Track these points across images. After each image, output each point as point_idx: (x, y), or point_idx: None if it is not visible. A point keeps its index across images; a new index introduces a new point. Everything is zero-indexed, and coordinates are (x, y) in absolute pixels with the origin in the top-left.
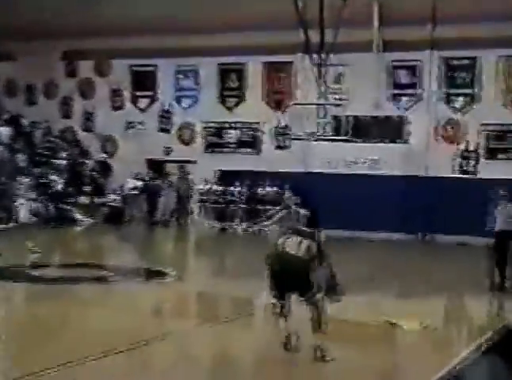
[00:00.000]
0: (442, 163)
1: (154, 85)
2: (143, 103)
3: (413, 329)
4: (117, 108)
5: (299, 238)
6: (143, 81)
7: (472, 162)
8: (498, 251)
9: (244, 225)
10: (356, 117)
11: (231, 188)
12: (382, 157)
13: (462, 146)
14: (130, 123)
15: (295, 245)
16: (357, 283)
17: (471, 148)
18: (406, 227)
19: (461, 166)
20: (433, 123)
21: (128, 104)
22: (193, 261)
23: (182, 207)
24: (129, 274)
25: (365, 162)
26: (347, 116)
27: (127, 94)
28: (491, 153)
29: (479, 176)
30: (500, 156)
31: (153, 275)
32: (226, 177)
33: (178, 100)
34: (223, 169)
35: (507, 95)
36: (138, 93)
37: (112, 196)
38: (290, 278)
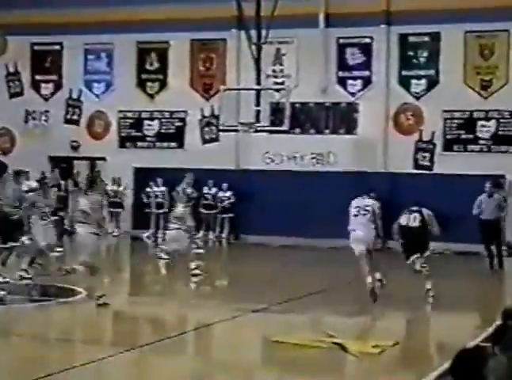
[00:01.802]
0: (401, 157)
1: (60, 68)
2: (46, 89)
3: (364, 352)
4: (14, 94)
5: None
6: (46, 63)
7: (428, 155)
8: (484, 237)
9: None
10: (300, 104)
11: (147, 189)
12: (331, 151)
13: (423, 137)
14: (30, 113)
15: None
16: (307, 298)
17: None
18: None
19: (416, 160)
20: (389, 111)
21: (28, 91)
22: (106, 275)
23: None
24: (31, 292)
25: (313, 157)
26: (290, 103)
27: (26, 78)
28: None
29: (440, 171)
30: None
31: (60, 293)
32: (143, 176)
33: (89, 85)
34: (138, 166)
35: (475, 77)
36: (40, 77)
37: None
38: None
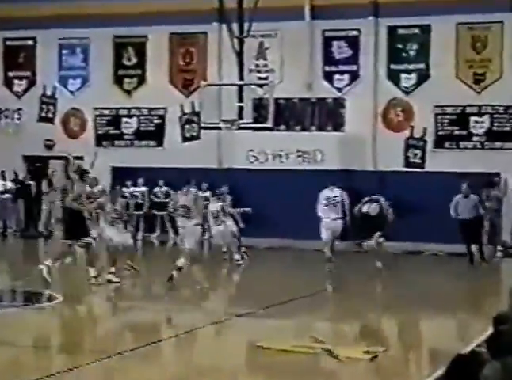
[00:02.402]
0: (391, 154)
1: (33, 64)
2: (18, 86)
3: (354, 358)
4: None
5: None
6: (19, 59)
7: (419, 153)
8: (464, 236)
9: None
10: (285, 100)
11: (123, 189)
12: (318, 149)
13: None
14: (2, 111)
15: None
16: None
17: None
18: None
19: (407, 158)
20: (377, 107)
21: (0, 88)
22: (84, 282)
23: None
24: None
25: (299, 155)
26: (274, 99)
27: None
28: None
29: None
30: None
31: (33, 298)
32: (121, 176)
33: (63, 81)
34: (116, 165)
35: (468, 71)
36: (12, 74)
37: None
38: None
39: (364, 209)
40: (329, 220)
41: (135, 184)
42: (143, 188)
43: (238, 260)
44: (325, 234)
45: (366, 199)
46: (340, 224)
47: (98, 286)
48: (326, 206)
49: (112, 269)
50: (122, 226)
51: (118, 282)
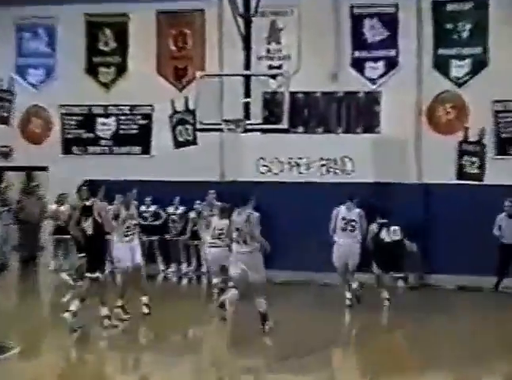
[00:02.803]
0: (439, 163)
1: None
2: None
3: None
4: None
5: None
6: None
7: (476, 161)
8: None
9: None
10: (303, 94)
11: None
12: (346, 156)
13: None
14: None
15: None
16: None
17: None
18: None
19: (461, 167)
20: (421, 102)
21: None
22: (47, 328)
23: (31, 240)
24: None
25: (322, 164)
26: (290, 94)
27: None
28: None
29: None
30: None
31: None
32: (95, 192)
33: (22, 72)
34: (89, 178)
35: None
36: None
37: None
38: None
39: (384, 236)
40: (343, 248)
41: (112, 202)
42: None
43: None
44: (338, 263)
45: (379, 221)
46: (356, 252)
47: (112, 328)
48: (344, 230)
49: (120, 302)
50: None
51: (125, 320)
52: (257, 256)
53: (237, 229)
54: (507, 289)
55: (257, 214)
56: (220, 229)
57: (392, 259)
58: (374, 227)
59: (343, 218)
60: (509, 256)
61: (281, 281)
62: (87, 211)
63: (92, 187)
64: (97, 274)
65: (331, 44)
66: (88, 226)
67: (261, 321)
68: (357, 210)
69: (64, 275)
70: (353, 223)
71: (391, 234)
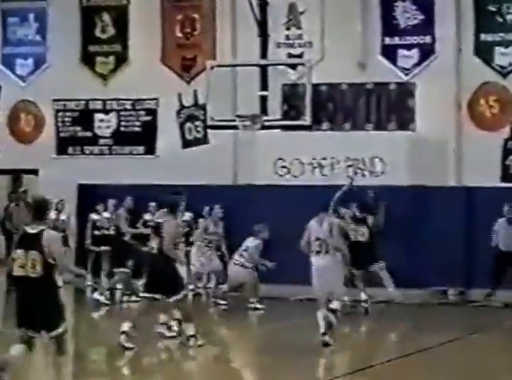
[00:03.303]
0: (482, 163)
1: None
2: None
3: None
4: None
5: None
6: None
7: None
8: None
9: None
10: (328, 86)
11: (93, 217)
12: (376, 156)
13: None
14: None
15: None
16: None
17: None
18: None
19: (506, 168)
20: (461, 95)
21: None
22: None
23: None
24: None
25: (349, 165)
26: (313, 86)
27: None
28: None
29: None
30: None
31: None
32: (92, 198)
33: (9, 62)
34: (85, 182)
35: None
36: None
37: None
38: None
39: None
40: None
41: (113, 209)
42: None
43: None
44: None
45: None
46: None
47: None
48: (318, 253)
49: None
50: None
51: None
52: (338, 266)
53: (317, 239)
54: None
55: (337, 221)
56: (245, 250)
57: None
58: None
59: (316, 239)
60: (506, 265)
61: (300, 298)
62: (156, 229)
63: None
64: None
65: (358, 30)
66: (155, 245)
67: (326, 329)
68: (328, 219)
69: (97, 295)
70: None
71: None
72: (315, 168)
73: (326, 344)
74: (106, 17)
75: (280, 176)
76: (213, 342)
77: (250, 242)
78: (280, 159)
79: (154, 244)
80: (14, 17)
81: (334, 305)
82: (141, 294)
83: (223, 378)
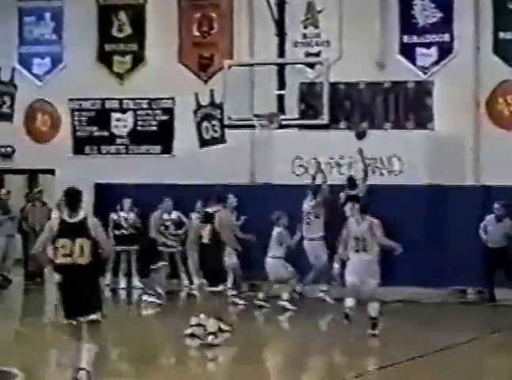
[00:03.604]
0: (501, 162)
1: None
2: None
3: None
4: None
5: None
6: None
7: None
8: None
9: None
10: (345, 85)
11: (113, 216)
12: (394, 155)
13: None
14: None
15: None
16: None
17: None
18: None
19: None
20: (480, 93)
21: None
22: (55, 350)
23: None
24: None
25: (366, 164)
26: (331, 84)
27: None
28: None
29: None
30: None
31: None
32: (109, 197)
33: (26, 62)
34: (101, 181)
35: None
36: None
37: None
38: None
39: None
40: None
41: (129, 208)
42: (124, 214)
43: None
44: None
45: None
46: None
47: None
48: (357, 252)
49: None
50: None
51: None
52: (375, 263)
53: (356, 239)
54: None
55: (376, 221)
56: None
57: None
58: None
59: (355, 238)
60: (495, 262)
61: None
62: (208, 219)
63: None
64: (221, 287)
65: (377, 28)
66: (206, 234)
67: (371, 325)
68: (369, 219)
69: (148, 297)
70: (366, 238)
71: None
72: (332, 167)
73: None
74: (123, 15)
75: (298, 175)
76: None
77: (274, 232)
78: (298, 158)
79: (205, 233)
80: (31, 16)
81: (373, 307)
82: (206, 288)
83: None
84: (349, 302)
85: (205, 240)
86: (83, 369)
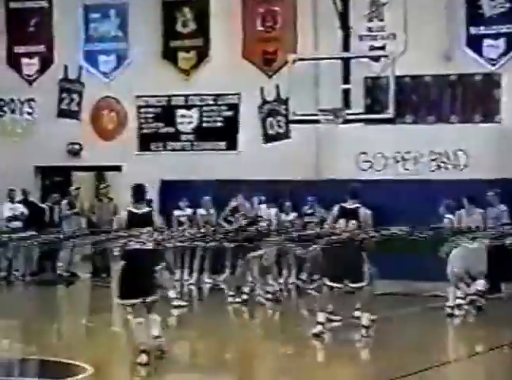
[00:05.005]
0: None
1: (49, 35)
2: (29, 67)
3: None
4: None
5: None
6: (29, 28)
7: None
8: None
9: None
10: (411, 78)
11: (176, 213)
12: (461, 149)
13: None
14: (7, 102)
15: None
16: None
17: None
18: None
19: None
20: None
21: (4, 70)
22: (123, 346)
23: (103, 249)
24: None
25: (433, 159)
26: (396, 78)
27: (1, 51)
28: None
29: None
30: None
31: (57, 371)
32: (175, 193)
33: (92, 59)
34: (167, 178)
35: None
36: (20, 50)
37: None
38: None
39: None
40: None
41: (195, 205)
42: (210, 211)
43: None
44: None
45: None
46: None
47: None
48: None
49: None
50: None
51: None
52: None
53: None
54: None
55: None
56: None
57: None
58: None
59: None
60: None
61: (382, 292)
62: (346, 214)
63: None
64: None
65: (443, 20)
66: (349, 228)
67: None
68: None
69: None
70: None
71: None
72: (397, 162)
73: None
74: (187, 11)
75: (363, 170)
76: None
77: None
78: (363, 153)
79: (344, 229)
80: (96, 14)
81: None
82: (327, 283)
83: None
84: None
85: (345, 236)
86: (159, 336)
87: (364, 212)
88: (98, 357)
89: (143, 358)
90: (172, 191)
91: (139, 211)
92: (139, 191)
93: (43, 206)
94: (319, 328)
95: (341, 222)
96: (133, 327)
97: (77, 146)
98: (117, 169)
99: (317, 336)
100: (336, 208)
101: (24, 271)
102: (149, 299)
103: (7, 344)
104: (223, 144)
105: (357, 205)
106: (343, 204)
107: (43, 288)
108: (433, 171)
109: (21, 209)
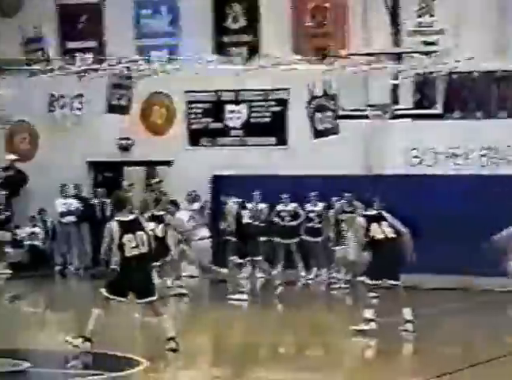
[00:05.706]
0: None
1: (100, 31)
2: (79, 62)
3: None
4: (35, 71)
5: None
6: (80, 24)
7: None
8: None
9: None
10: (461, 74)
11: (227, 208)
12: (509, 144)
13: None
14: (57, 98)
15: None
16: None
17: None
18: None
19: None
20: None
21: (55, 66)
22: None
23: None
24: (76, 364)
25: (482, 154)
26: (447, 74)
27: (53, 47)
28: None
29: None
30: None
31: (112, 364)
32: (226, 188)
33: (143, 54)
34: (218, 173)
35: None
36: (72, 45)
37: (29, 229)
38: None
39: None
40: None
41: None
42: (262, 205)
43: None
44: None
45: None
46: None
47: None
48: None
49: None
50: None
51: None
52: None
53: None
54: None
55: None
56: None
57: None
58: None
59: None
60: None
61: (433, 287)
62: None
63: None
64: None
65: (495, 15)
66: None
67: None
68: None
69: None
70: None
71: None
72: (447, 157)
73: None
74: (237, 7)
75: (413, 166)
76: None
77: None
78: (413, 149)
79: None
80: (147, 9)
81: None
82: (367, 281)
83: None
84: None
85: (391, 234)
86: (173, 338)
87: (389, 215)
88: (151, 350)
89: (172, 344)
90: (223, 186)
91: (127, 219)
92: (119, 201)
93: (94, 201)
94: (372, 324)
95: (375, 225)
96: (93, 316)
97: (127, 142)
98: (167, 163)
99: (363, 332)
100: (361, 219)
101: (78, 265)
102: (142, 301)
103: (62, 337)
104: (272, 139)
105: (378, 210)
106: (365, 213)
107: (97, 282)
108: (485, 166)
109: (75, 204)
